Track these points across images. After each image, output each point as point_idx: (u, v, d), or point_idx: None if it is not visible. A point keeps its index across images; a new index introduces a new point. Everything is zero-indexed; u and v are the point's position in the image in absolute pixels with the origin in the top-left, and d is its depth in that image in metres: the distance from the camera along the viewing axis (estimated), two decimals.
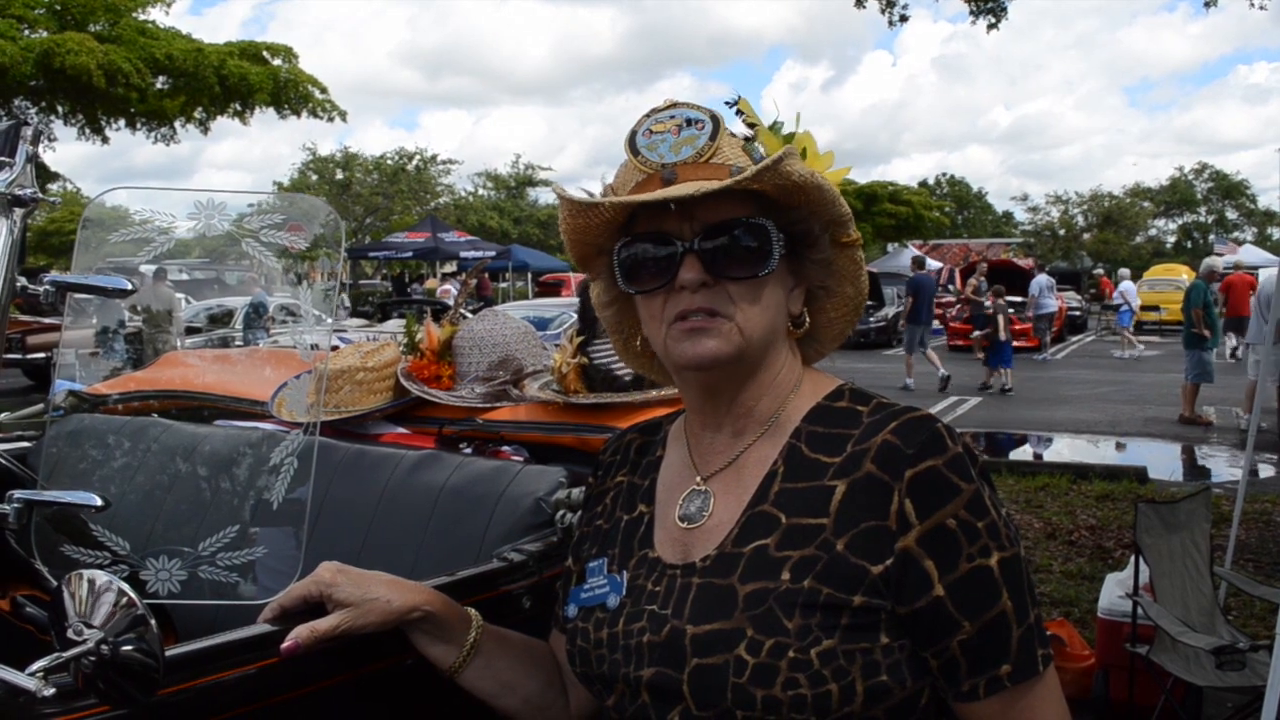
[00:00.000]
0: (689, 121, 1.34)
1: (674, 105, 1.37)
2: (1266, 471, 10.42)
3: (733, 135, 1.38)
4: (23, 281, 1.67)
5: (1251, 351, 12.06)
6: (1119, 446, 12.30)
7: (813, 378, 1.43)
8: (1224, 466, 10.93)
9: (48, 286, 1.70)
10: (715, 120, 1.34)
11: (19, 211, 1.67)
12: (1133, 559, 4.44)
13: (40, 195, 1.68)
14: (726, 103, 1.45)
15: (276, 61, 23.00)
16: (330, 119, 23.86)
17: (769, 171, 1.27)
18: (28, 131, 1.67)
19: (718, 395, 1.40)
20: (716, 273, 1.30)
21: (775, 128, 1.45)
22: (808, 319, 1.43)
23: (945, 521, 1.22)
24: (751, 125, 1.44)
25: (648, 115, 1.37)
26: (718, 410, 1.41)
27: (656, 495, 1.47)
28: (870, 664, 1.21)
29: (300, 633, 1.45)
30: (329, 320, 2.13)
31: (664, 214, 1.31)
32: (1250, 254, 29.87)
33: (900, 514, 1.23)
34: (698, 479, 1.41)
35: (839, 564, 1.23)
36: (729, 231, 1.30)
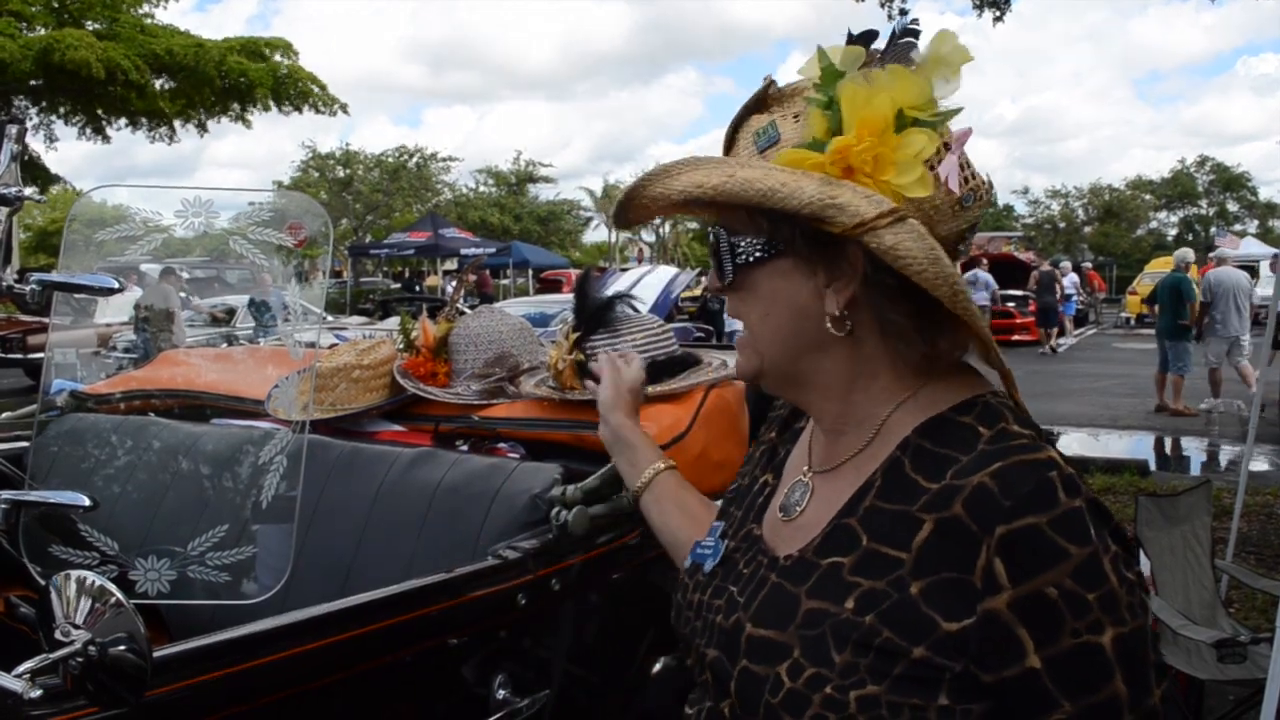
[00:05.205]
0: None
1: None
2: (1268, 464, 10.40)
3: (792, 116, 1.23)
4: (8, 281, 1.66)
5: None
6: (1120, 439, 12.31)
7: (948, 383, 1.23)
8: (1225, 459, 10.92)
9: (34, 286, 1.69)
10: (745, 107, 1.28)
11: (4, 210, 1.66)
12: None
13: (24, 194, 1.67)
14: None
15: (276, 57, 23.00)
16: (333, 113, 23.87)
17: (637, 197, 1.24)
18: (13, 130, 1.66)
19: (794, 401, 1.35)
20: (718, 280, 1.28)
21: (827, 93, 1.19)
22: (850, 321, 1.20)
23: (1045, 590, 1.04)
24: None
25: None
26: (809, 413, 1.34)
27: (784, 471, 1.40)
28: None
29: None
30: (326, 318, 2.12)
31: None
32: (1253, 247, 29.94)
33: (988, 572, 1.06)
34: (805, 468, 1.33)
35: (908, 608, 1.09)
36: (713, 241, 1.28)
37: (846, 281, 1.19)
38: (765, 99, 1.25)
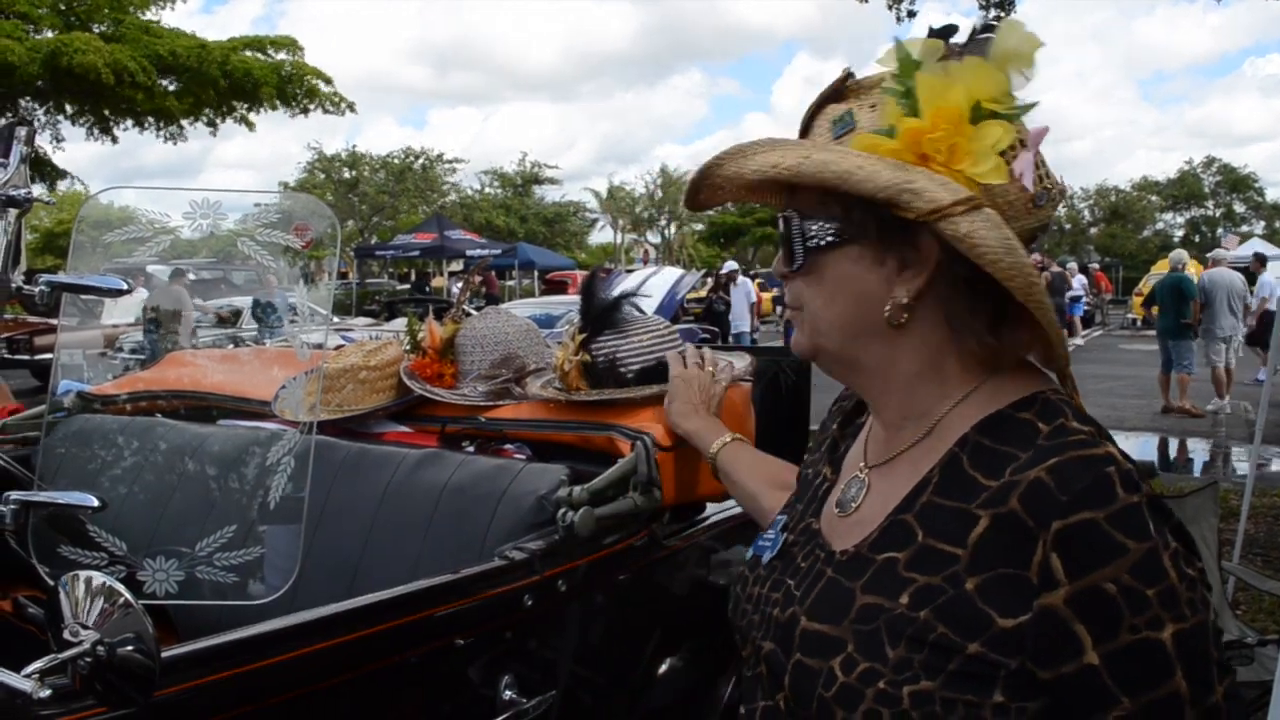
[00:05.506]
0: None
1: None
2: (1275, 466, 10.38)
3: (867, 105, 1.22)
4: (17, 282, 1.66)
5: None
6: (1126, 440, 12.28)
7: (1007, 380, 1.21)
8: (1232, 460, 10.90)
9: (43, 287, 1.70)
10: (827, 95, 1.25)
11: (13, 212, 1.67)
12: None
13: (34, 196, 1.67)
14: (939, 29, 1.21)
15: (281, 55, 23.05)
16: (341, 113, 23.93)
17: (701, 185, 1.26)
18: (22, 132, 1.67)
19: (849, 385, 1.35)
20: (786, 264, 1.26)
21: (903, 72, 1.18)
22: (909, 312, 1.19)
23: (1103, 585, 1.03)
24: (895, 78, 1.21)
25: None
26: (868, 401, 1.33)
27: (842, 467, 1.39)
28: (974, 719, 1.06)
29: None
30: (333, 319, 2.13)
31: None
32: (1259, 248, 29.96)
33: (1044, 568, 1.05)
34: (861, 464, 1.32)
35: (963, 604, 1.08)
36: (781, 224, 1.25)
37: (917, 271, 1.18)
38: (843, 90, 1.25)
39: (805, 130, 1.26)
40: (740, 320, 18.58)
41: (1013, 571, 1.06)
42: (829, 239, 1.19)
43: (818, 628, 1.17)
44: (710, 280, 21.30)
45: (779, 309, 20.56)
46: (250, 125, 23.49)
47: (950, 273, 1.16)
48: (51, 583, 1.31)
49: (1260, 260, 16.56)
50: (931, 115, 1.14)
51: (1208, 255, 16.97)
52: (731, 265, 21.15)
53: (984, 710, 1.06)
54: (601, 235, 63.03)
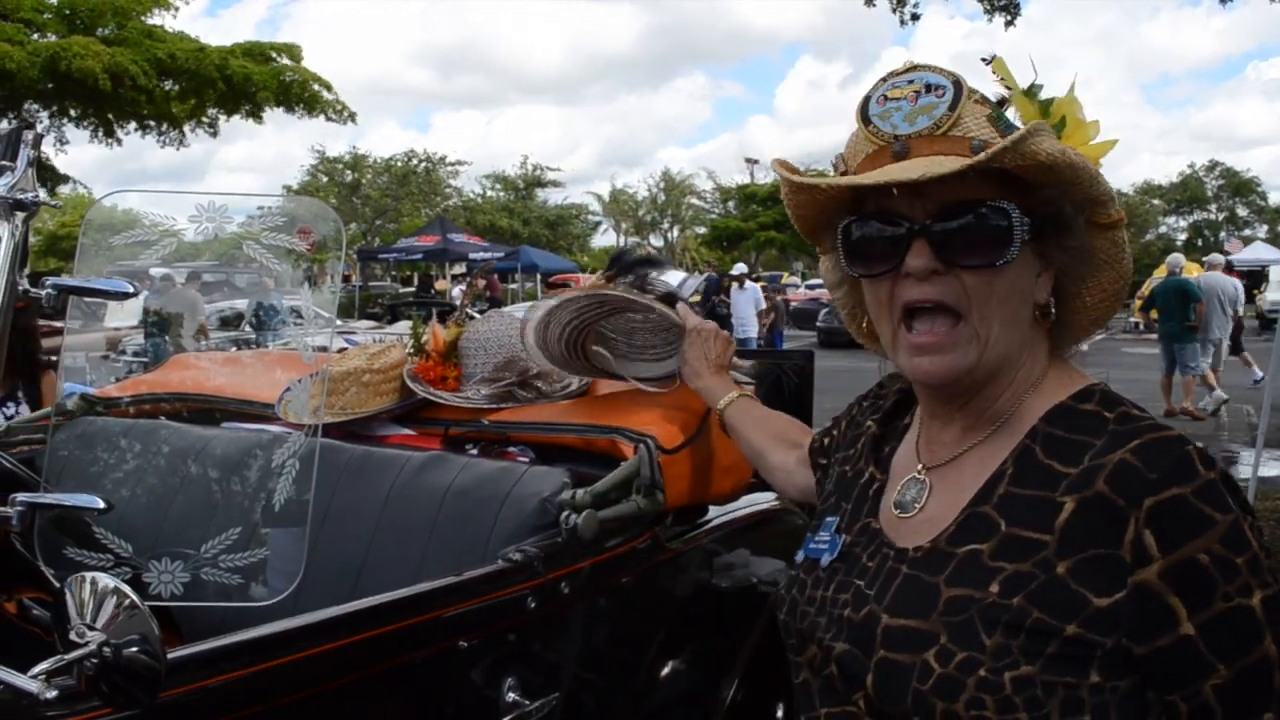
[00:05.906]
0: (928, 87, 1.21)
1: (914, 68, 1.24)
2: (1277, 469, 10.36)
3: (980, 101, 1.23)
4: (24, 285, 1.67)
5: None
6: None
7: (1059, 373, 1.29)
8: (1235, 464, 10.88)
9: (49, 290, 1.71)
10: (958, 86, 1.21)
11: (20, 215, 1.68)
12: None
13: (41, 199, 1.68)
14: (983, 59, 1.32)
15: (283, 60, 23.08)
16: (343, 122, 23.98)
17: (1009, 153, 1.13)
18: (29, 135, 1.67)
19: (950, 400, 1.30)
20: (948, 260, 1.19)
21: (1032, 92, 1.30)
22: (1054, 309, 1.29)
23: (1196, 556, 1.08)
24: (1008, 89, 1.31)
25: (884, 80, 1.25)
26: (948, 410, 1.32)
27: (891, 468, 1.40)
28: (1073, 700, 1.09)
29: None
30: (336, 322, 2.13)
31: (894, 192, 1.21)
32: (1262, 253, 29.97)
33: (1137, 545, 1.09)
34: (919, 467, 1.33)
35: (1056, 587, 1.11)
36: (964, 214, 1.18)
37: (1051, 273, 1.28)
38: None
39: (957, 119, 1.21)
40: (746, 326, 18.50)
41: (1104, 552, 1.11)
42: (1026, 234, 1.20)
43: (903, 623, 1.19)
44: (712, 267, 21.05)
45: (772, 315, 20.28)
46: (259, 119, 23.51)
47: (1064, 274, 1.28)
48: (57, 584, 1.32)
49: (1228, 267, 16.63)
50: (1091, 154, 1.26)
51: (1203, 260, 17.04)
52: (740, 268, 20.98)
53: (1081, 691, 1.09)
54: (604, 238, 63.10)
